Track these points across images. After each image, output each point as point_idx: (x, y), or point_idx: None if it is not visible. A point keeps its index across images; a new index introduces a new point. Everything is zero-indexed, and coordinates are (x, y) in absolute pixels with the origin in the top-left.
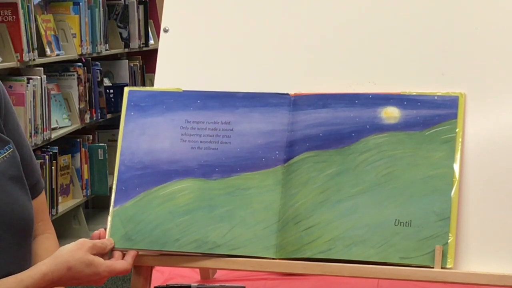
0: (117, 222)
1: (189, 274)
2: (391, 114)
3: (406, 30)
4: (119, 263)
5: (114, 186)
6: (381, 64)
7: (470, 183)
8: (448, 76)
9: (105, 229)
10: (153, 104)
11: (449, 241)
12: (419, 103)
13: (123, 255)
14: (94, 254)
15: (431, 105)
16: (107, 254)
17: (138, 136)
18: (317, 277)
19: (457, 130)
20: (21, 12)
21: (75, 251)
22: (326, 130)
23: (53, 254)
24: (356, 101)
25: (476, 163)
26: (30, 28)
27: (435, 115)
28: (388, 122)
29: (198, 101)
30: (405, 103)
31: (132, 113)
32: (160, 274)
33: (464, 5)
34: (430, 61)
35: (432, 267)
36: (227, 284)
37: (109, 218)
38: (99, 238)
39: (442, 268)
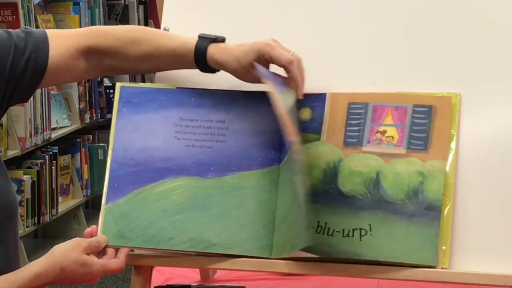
0: (109, 219)
1: (189, 274)
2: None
3: (406, 30)
4: (113, 262)
5: (105, 183)
6: (381, 64)
7: (466, 184)
8: (448, 76)
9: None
10: (146, 100)
11: (445, 241)
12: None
13: (116, 252)
14: (88, 254)
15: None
16: (100, 252)
17: (131, 133)
18: (317, 277)
19: (452, 131)
20: (21, 12)
21: (70, 251)
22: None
23: (47, 254)
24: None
25: (472, 163)
26: None
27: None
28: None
29: (192, 99)
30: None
31: (124, 110)
32: (160, 274)
33: (464, 5)
34: (430, 61)
35: (429, 267)
36: (227, 284)
37: (101, 215)
38: (91, 236)
39: (442, 268)
